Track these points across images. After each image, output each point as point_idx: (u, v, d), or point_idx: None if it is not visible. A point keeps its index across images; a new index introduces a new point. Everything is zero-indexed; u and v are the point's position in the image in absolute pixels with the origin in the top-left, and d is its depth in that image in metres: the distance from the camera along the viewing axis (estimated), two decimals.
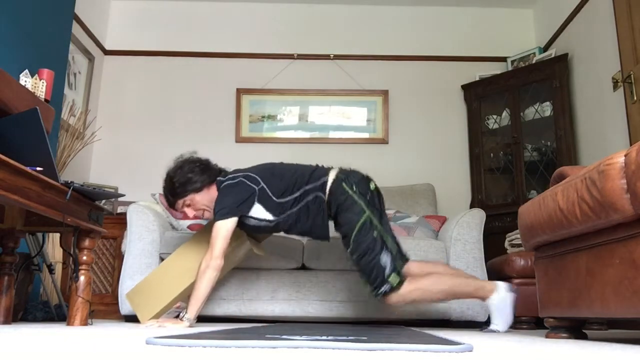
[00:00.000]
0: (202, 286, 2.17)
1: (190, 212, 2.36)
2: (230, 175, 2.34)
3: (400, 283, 2.17)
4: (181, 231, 3.03)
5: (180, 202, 2.35)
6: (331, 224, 2.33)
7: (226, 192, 2.27)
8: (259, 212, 2.29)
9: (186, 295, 2.44)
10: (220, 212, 2.22)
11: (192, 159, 2.37)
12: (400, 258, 2.32)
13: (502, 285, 2.29)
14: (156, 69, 4.43)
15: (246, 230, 2.41)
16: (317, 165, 2.41)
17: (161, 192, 2.46)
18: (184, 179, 2.30)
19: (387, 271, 2.15)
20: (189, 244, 2.59)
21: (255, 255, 2.63)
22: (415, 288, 2.20)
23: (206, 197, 2.33)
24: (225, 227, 2.21)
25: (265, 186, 2.28)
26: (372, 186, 2.31)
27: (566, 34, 4.01)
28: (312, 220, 2.28)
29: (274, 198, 2.27)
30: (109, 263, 3.63)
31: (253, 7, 4.56)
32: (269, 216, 2.30)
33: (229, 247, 2.25)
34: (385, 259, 2.16)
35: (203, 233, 2.58)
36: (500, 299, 2.25)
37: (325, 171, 2.33)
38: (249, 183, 2.27)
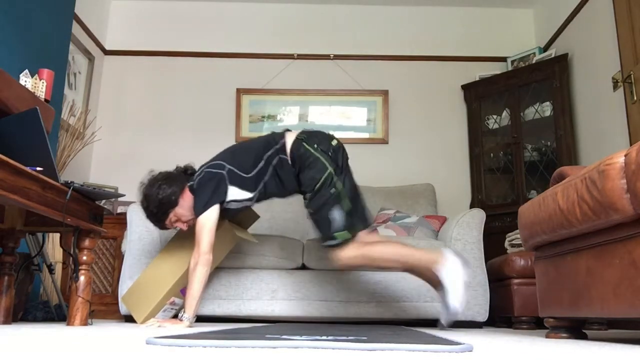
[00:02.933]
0: (195, 284, 2.17)
1: (181, 225, 2.36)
2: (196, 173, 2.35)
3: (347, 241, 2.19)
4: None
5: (167, 222, 2.34)
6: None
7: (199, 188, 2.27)
8: (236, 193, 2.30)
9: (177, 290, 2.45)
10: (199, 207, 2.23)
11: (153, 181, 2.32)
12: (357, 221, 2.33)
13: (447, 252, 2.27)
14: (156, 69, 4.43)
15: (231, 215, 2.41)
16: (272, 132, 2.45)
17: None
18: (157, 203, 2.28)
19: (335, 226, 2.18)
20: (174, 240, 2.62)
21: (246, 243, 2.63)
22: (362, 254, 2.23)
23: (186, 205, 2.32)
24: (207, 220, 2.21)
25: (232, 167, 2.29)
26: (333, 143, 2.34)
27: (566, 34, 4.01)
28: (286, 181, 2.32)
29: (245, 175, 2.29)
30: (109, 263, 3.63)
31: (253, 7, 4.56)
32: (247, 194, 2.32)
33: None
34: (336, 215, 2.19)
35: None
36: (450, 266, 2.22)
37: (281, 134, 2.37)
38: (215, 170, 2.28)
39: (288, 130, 2.41)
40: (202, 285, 2.20)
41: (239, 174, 2.29)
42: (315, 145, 2.27)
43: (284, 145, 2.30)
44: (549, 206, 1.69)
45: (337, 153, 2.30)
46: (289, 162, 2.29)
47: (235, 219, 2.57)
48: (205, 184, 2.26)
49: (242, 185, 2.30)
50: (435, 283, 2.33)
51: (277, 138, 2.35)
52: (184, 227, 2.37)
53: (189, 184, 2.33)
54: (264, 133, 4.28)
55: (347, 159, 2.37)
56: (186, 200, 2.31)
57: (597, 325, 2.87)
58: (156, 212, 2.30)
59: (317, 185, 2.20)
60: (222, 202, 2.28)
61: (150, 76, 4.42)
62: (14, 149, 1.93)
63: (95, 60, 4.24)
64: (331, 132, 2.44)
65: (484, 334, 2.08)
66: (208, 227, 2.20)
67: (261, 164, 2.30)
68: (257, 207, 2.63)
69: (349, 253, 2.21)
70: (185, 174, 2.38)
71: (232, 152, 2.40)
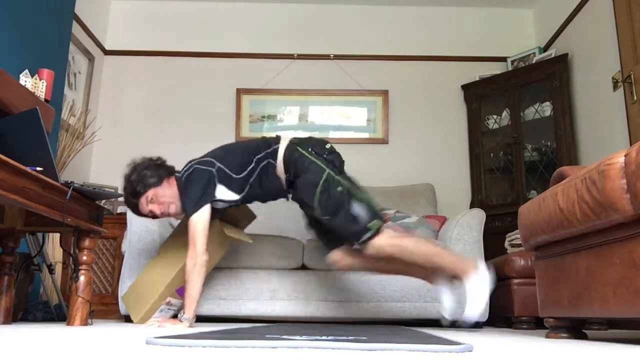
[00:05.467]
0: (192, 285, 2.16)
1: (156, 208, 2.28)
2: (185, 167, 2.32)
3: (380, 229, 2.15)
4: None
5: (142, 200, 2.27)
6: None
7: (187, 185, 2.25)
8: (223, 193, 2.27)
9: (172, 290, 2.45)
10: (189, 207, 2.20)
11: (145, 159, 2.33)
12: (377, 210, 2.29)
13: (482, 264, 2.25)
14: (156, 69, 4.43)
15: (218, 214, 2.38)
16: (265, 137, 2.42)
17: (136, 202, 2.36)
18: (140, 176, 2.25)
19: (365, 218, 2.14)
20: (170, 239, 2.62)
21: (242, 244, 2.63)
22: (397, 243, 2.18)
23: (167, 191, 2.28)
24: (200, 220, 2.18)
25: (222, 166, 2.26)
26: (327, 146, 2.31)
27: (566, 34, 4.01)
28: (267, 187, 2.30)
29: (234, 175, 2.27)
30: (109, 263, 3.62)
31: (253, 7, 4.56)
32: (234, 196, 2.29)
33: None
34: (358, 209, 2.14)
35: (182, 225, 2.59)
36: (480, 278, 2.20)
37: (276, 139, 2.34)
38: (204, 167, 2.25)
39: (281, 136, 2.37)
40: (200, 286, 2.19)
41: (228, 173, 2.26)
42: (310, 149, 2.24)
43: (275, 151, 2.28)
44: (549, 206, 1.69)
45: (332, 155, 2.28)
46: (281, 168, 2.26)
47: (231, 219, 2.57)
48: (194, 181, 2.23)
49: (230, 186, 2.27)
50: (428, 275, 2.32)
51: (270, 142, 2.32)
52: (157, 210, 2.29)
53: (175, 174, 2.32)
54: (265, 133, 4.35)
55: (342, 163, 2.33)
56: (171, 185, 2.28)
57: (597, 325, 2.87)
58: (136, 184, 2.24)
59: (319, 188, 2.16)
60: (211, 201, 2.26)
61: (150, 76, 4.42)
62: (14, 149, 1.93)
63: (95, 60, 4.24)
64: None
65: (484, 334, 2.08)
66: (201, 227, 2.18)
67: (250, 167, 2.28)
68: (257, 207, 2.63)
69: (386, 240, 2.15)
70: (174, 170, 2.36)
71: (225, 150, 2.38)
